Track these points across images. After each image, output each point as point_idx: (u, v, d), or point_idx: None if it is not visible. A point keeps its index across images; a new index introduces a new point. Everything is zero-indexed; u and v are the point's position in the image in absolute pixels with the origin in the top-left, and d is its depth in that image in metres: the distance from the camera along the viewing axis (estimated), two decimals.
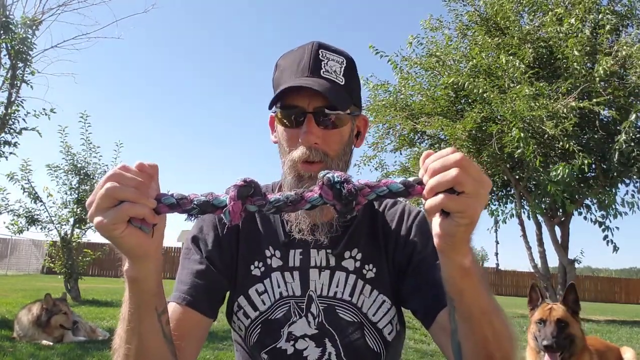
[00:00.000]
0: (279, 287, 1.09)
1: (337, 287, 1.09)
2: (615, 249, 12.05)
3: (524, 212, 13.14)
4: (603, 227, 12.14)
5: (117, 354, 0.86)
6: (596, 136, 11.06)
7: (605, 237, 12.08)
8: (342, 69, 1.05)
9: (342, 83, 1.04)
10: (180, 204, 0.74)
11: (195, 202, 0.74)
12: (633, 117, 9.84)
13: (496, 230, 15.69)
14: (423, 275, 1.05)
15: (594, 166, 11.60)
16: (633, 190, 12.18)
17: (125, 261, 0.79)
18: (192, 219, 0.75)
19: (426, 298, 1.02)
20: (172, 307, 1.01)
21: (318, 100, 1.01)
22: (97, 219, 0.71)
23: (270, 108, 1.07)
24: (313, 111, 1.01)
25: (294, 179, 1.03)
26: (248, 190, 0.73)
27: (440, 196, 0.70)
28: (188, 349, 0.98)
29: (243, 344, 1.15)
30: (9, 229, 10.34)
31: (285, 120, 1.05)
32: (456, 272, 0.79)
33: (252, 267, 1.11)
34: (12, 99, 7.81)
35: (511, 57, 10.81)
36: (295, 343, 1.06)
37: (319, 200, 0.74)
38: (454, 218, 0.71)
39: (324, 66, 1.03)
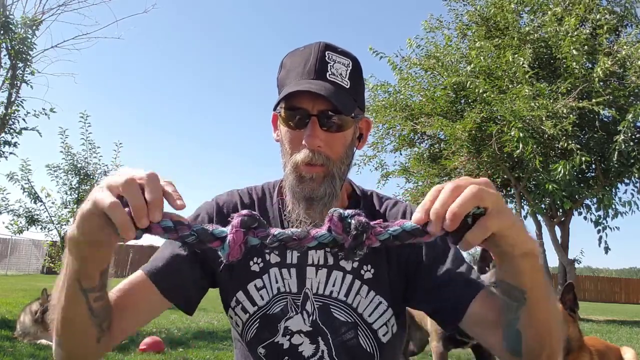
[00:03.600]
0: (276, 282, 1.10)
1: (333, 286, 1.09)
2: (607, 250, 11.98)
3: (523, 212, 13.15)
4: (599, 227, 12.13)
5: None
6: (596, 136, 11.08)
7: (600, 238, 12.04)
8: (348, 71, 1.05)
9: (348, 86, 1.04)
10: (177, 229, 0.69)
11: (194, 229, 0.69)
12: (629, 116, 9.85)
13: None
14: (437, 276, 1.04)
15: (593, 166, 11.61)
16: (633, 190, 12.21)
17: (75, 222, 0.75)
18: (186, 247, 0.70)
19: (446, 299, 1.02)
20: (138, 274, 1.04)
21: (323, 104, 1.01)
22: (95, 192, 0.70)
23: (275, 109, 1.08)
24: (317, 114, 1.02)
25: (296, 179, 1.03)
26: (252, 222, 0.69)
27: (477, 228, 0.68)
28: (129, 318, 0.99)
29: (241, 340, 1.15)
30: (8, 229, 10.38)
31: (289, 122, 1.05)
32: (527, 264, 0.77)
33: (251, 262, 1.12)
34: (12, 99, 7.83)
35: (516, 56, 10.81)
36: (291, 338, 1.07)
37: (326, 237, 0.70)
38: (500, 237, 0.70)
39: (330, 69, 1.03)
